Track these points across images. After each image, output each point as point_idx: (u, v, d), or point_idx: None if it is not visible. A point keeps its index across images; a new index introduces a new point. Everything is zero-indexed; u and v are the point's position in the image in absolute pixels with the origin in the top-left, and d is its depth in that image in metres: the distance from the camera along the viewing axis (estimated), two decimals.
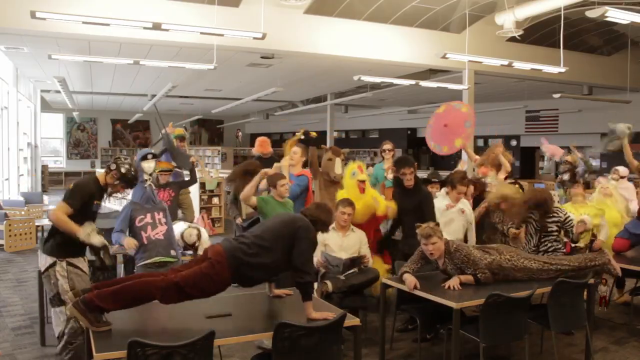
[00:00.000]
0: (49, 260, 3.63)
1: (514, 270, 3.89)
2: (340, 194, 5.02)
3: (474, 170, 7.03)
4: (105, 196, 3.76)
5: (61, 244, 3.62)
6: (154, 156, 4.53)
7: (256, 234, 3.11)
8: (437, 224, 3.96)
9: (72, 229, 3.48)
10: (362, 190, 4.85)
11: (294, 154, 5.51)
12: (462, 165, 6.93)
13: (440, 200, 5.02)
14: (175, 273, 2.97)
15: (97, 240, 3.52)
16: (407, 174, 4.75)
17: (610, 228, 5.51)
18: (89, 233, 3.49)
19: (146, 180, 4.34)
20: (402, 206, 4.86)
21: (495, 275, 3.83)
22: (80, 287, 3.42)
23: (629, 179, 7.03)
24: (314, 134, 5.63)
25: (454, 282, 3.73)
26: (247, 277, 3.04)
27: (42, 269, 3.68)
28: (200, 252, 4.91)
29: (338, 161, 5.37)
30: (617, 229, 5.45)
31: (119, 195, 3.86)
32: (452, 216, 4.91)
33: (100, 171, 3.88)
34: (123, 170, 3.66)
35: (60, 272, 3.60)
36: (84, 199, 3.58)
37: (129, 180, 3.72)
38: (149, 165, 4.41)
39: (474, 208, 5.40)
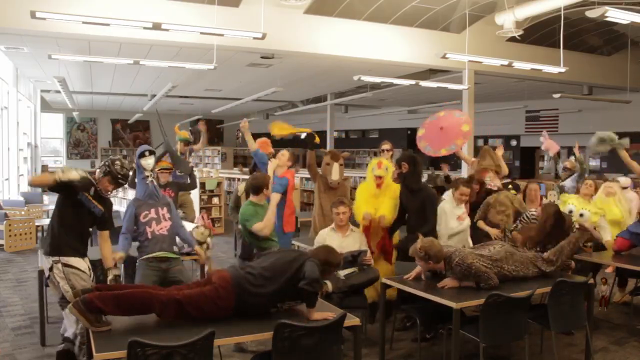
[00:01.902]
0: (47, 264, 3.64)
1: (513, 278, 3.86)
2: (362, 188, 5.04)
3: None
4: (92, 191, 3.68)
5: (55, 242, 3.63)
6: (151, 152, 4.52)
7: (264, 265, 3.13)
8: (431, 237, 3.86)
9: (48, 177, 3.46)
10: (379, 186, 4.87)
11: (281, 155, 5.50)
12: (446, 167, 6.98)
13: (450, 208, 5.00)
14: (178, 290, 2.99)
15: (74, 174, 3.42)
16: (401, 167, 4.80)
17: (612, 226, 5.52)
18: (63, 171, 3.41)
19: (147, 176, 4.35)
20: (407, 206, 4.86)
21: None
22: (81, 286, 3.44)
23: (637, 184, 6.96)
24: (317, 140, 5.61)
25: (450, 282, 3.70)
26: (249, 305, 3.02)
27: (46, 274, 3.72)
28: (209, 251, 4.92)
29: (335, 166, 5.30)
30: (619, 227, 5.46)
31: (109, 194, 3.80)
32: (461, 228, 4.95)
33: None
34: (111, 166, 3.67)
35: (58, 275, 3.62)
36: (79, 172, 3.52)
37: (115, 176, 3.69)
38: (147, 162, 4.42)
39: (475, 207, 5.40)
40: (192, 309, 2.90)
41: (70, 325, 3.71)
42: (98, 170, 3.73)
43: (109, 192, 3.78)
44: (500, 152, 6.20)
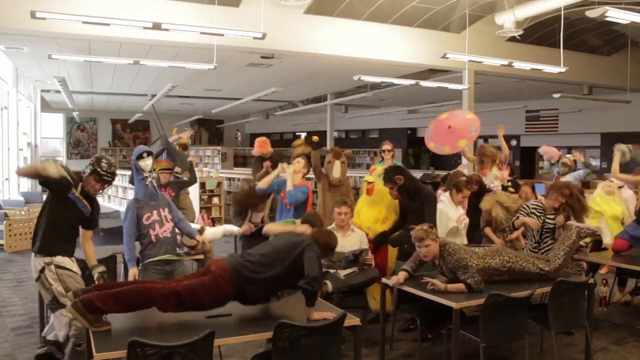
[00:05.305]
0: (39, 266, 3.59)
1: (509, 272, 3.84)
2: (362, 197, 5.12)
3: (474, 169, 7.05)
4: (79, 190, 3.66)
5: (45, 242, 3.59)
6: (149, 154, 4.49)
7: (263, 252, 3.14)
8: (432, 227, 3.85)
9: (32, 168, 3.57)
10: (369, 192, 4.91)
11: (297, 162, 5.35)
12: (462, 168, 6.98)
13: (451, 208, 4.92)
14: (176, 282, 2.99)
15: (53, 172, 3.40)
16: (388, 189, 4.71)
17: (613, 222, 5.52)
18: (45, 166, 3.40)
19: (146, 177, 4.33)
20: (406, 209, 4.82)
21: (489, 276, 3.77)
22: (74, 287, 3.41)
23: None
24: (315, 138, 5.59)
25: (438, 283, 3.63)
26: (248, 293, 3.03)
27: (35, 276, 3.65)
28: (206, 247, 4.91)
29: (337, 164, 5.27)
30: (619, 224, 5.47)
31: (99, 193, 3.78)
32: (460, 229, 4.89)
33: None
34: (96, 164, 3.63)
35: (51, 277, 3.56)
36: (60, 171, 3.48)
37: (100, 175, 3.63)
38: (145, 164, 4.38)
39: (473, 204, 5.38)
40: (191, 300, 2.90)
41: (60, 328, 3.62)
42: (85, 169, 3.69)
43: (98, 191, 3.73)
44: (501, 131, 6.34)
